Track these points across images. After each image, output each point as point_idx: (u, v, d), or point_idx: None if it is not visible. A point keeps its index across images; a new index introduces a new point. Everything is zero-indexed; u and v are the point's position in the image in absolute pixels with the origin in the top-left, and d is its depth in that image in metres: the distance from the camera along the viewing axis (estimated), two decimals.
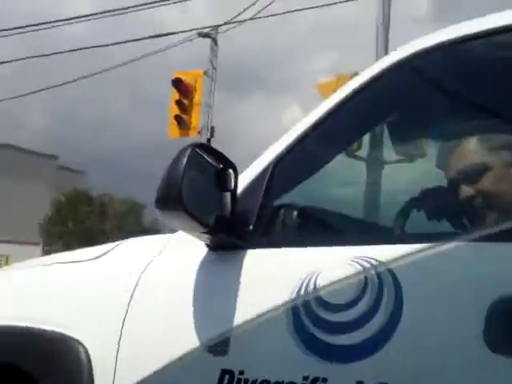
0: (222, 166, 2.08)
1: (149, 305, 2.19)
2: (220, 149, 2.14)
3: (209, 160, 2.06)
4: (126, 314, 2.18)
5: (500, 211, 2.10)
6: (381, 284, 1.80)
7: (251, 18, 15.09)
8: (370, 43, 10.76)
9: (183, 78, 14.39)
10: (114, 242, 2.53)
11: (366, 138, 2.86)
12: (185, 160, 1.98)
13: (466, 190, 2.20)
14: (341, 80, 9.24)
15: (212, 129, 16.59)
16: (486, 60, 2.13)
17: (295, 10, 14.94)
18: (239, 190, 2.10)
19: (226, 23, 16.17)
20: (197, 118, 14.73)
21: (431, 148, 3.02)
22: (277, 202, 2.20)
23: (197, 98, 14.56)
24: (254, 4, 14.49)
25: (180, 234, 2.22)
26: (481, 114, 2.28)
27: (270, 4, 14.20)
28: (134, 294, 2.20)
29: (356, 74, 2.37)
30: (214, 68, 17.03)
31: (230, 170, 2.08)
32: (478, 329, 1.64)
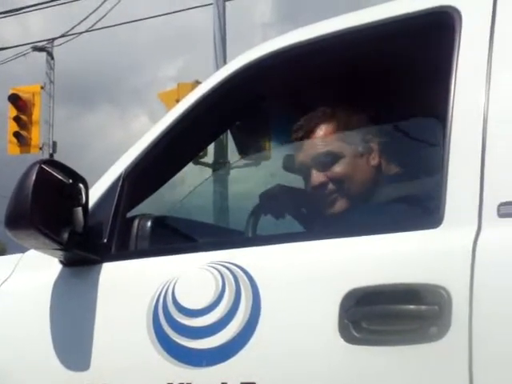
0: (71, 180, 2.06)
1: (4, 327, 2.13)
2: (67, 163, 2.11)
3: (58, 176, 2.03)
4: None
5: (350, 199, 2.19)
6: (238, 287, 1.83)
7: (86, 31, 14.88)
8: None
9: (20, 93, 13.98)
10: None
11: (212, 146, 2.91)
12: (33, 177, 1.95)
13: (317, 177, 2.24)
14: (182, 88, 9.28)
15: (54, 144, 16.22)
16: (316, 65, 2.23)
17: (138, 20, 14.85)
18: (91, 203, 2.08)
19: (61, 36, 15.85)
20: (37, 134, 14.33)
21: (276, 150, 3.11)
22: (130, 214, 2.20)
23: (35, 113, 14.18)
24: (88, 17, 14.29)
25: (32, 252, 2.17)
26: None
27: (103, 17, 14.04)
28: None
29: (197, 82, 2.42)
30: (52, 82, 16.67)
31: (81, 185, 2.06)
32: (333, 321, 1.70)
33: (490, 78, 1.73)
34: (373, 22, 1.98)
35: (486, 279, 1.59)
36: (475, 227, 1.64)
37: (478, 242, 1.62)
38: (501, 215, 1.62)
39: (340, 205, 2.21)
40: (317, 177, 2.24)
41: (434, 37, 1.92)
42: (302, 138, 2.31)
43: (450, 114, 1.75)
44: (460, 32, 1.80)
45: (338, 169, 2.22)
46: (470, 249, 1.61)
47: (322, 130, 2.29)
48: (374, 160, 2.24)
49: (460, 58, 1.78)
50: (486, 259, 1.60)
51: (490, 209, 1.63)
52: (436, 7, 1.88)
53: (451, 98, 1.76)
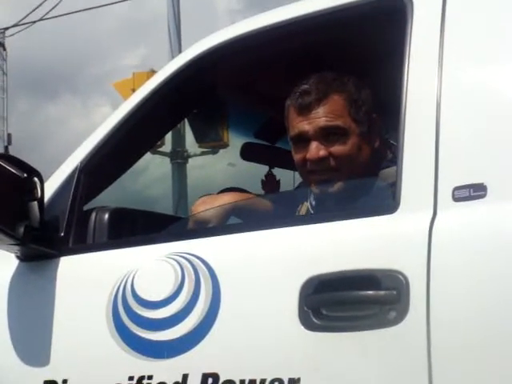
0: (26, 174, 2.03)
1: None
2: (24, 155, 2.09)
3: (11, 170, 2.01)
4: None
5: (343, 182, 2.06)
6: (197, 277, 1.83)
7: (40, 19, 14.65)
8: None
9: None
10: None
11: (169, 135, 2.88)
12: None
13: (317, 150, 2.05)
14: (138, 78, 9.21)
15: (9, 136, 16.00)
16: (269, 53, 2.23)
17: (99, 6, 14.63)
18: (46, 197, 2.06)
19: (13, 25, 15.59)
20: None
21: (233, 138, 3.11)
22: (87, 206, 2.19)
23: None
24: (40, 5, 14.06)
25: None
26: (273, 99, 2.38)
27: (57, 5, 13.82)
28: None
29: (153, 71, 2.40)
30: (5, 73, 16.42)
31: (35, 178, 2.04)
32: (293, 309, 1.71)
33: (441, 64, 1.74)
34: (323, 10, 1.98)
35: (442, 262, 1.61)
36: (431, 211, 1.66)
37: (434, 226, 1.63)
38: (456, 199, 1.64)
39: (330, 186, 2.07)
40: (317, 149, 2.05)
41: (386, 23, 1.92)
42: (308, 105, 2.07)
43: (403, 101, 1.76)
44: (412, 18, 1.81)
45: (343, 147, 2.05)
46: (426, 233, 1.63)
47: (332, 100, 2.07)
48: (375, 144, 2.10)
49: (412, 44, 1.79)
50: (442, 243, 1.62)
51: (445, 193, 1.65)
52: None
53: (404, 84, 1.77)
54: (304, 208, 2.18)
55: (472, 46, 1.75)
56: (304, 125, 2.08)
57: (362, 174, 2.06)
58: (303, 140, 2.09)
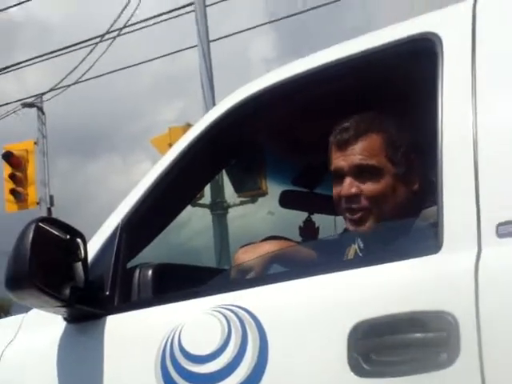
0: (68, 236, 2.06)
1: None
2: (65, 216, 2.12)
3: (55, 232, 2.03)
4: None
5: (374, 222, 2.05)
6: (244, 329, 1.82)
7: (76, 82, 14.97)
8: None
9: (13, 150, 14.02)
10: None
11: (208, 187, 2.90)
12: (30, 236, 1.95)
13: (350, 187, 2.06)
14: (174, 132, 9.32)
15: (51, 198, 16.22)
16: (307, 99, 2.23)
17: (132, 65, 14.93)
18: (90, 257, 2.08)
19: (50, 90, 15.93)
20: (33, 190, 14.35)
21: (271, 187, 3.11)
22: (130, 264, 2.20)
23: (30, 169, 14.20)
24: (75, 68, 14.38)
25: (35, 311, 2.16)
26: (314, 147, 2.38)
27: (90, 68, 14.14)
28: None
29: (189, 125, 2.42)
30: (44, 137, 16.71)
31: (78, 239, 2.06)
32: (342, 356, 1.69)
33: (475, 101, 1.74)
34: (356, 54, 2.00)
35: (490, 301, 1.58)
36: (475, 250, 1.63)
37: (480, 264, 1.61)
38: (500, 235, 1.62)
39: (361, 224, 2.07)
40: (350, 186, 2.07)
41: (417, 62, 1.93)
42: (346, 141, 2.09)
43: (439, 140, 1.75)
44: (442, 56, 1.81)
45: (375, 186, 2.06)
46: (472, 272, 1.61)
47: (369, 139, 2.08)
48: (414, 186, 2.08)
49: (444, 82, 1.79)
50: (488, 281, 1.59)
51: (489, 230, 1.63)
52: (418, 34, 1.90)
53: (439, 124, 1.77)
54: (352, 251, 2.16)
55: (505, 79, 1.74)
56: (340, 161, 2.10)
57: (399, 215, 2.04)
58: (340, 176, 2.10)
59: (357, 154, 2.07)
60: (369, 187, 2.06)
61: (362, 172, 2.07)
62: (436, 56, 1.82)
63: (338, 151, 2.11)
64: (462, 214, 1.68)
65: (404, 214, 2.04)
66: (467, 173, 1.69)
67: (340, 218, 3.05)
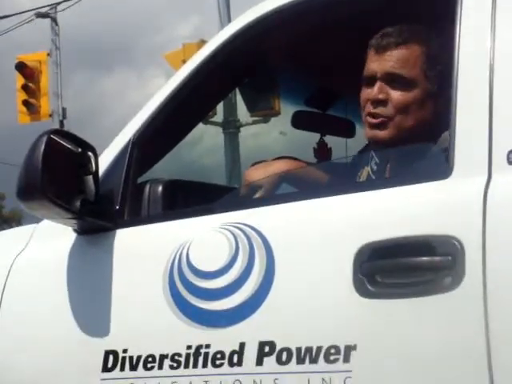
0: (80, 149, 2.06)
1: (22, 297, 2.16)
2: (78, 129, 2.12)
3: (67, 145, 2.04)
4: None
5: (393, 133, 2.03)
6: (251, 246, 1.84)
7: None
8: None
9: (27, 61, 13.93)
10: None
11: (221, 104, 2.88)
12: (42, 148, 1.95)
13: (379, 91, 2.03)
14: (188, 49, 9.22)
15: (64, 110, 16.21)
16: (322, 20, 2.20)
17: None
18: (101, 171, 2.09)
19: (64, 0, 15.72)
20: (46, 102, 14.31)
21: (284, 106, 3.09)
22: (141, 179, 2.21)
23: (43, 80, 14.14)
24: None
25: (46, 222, 2.19)
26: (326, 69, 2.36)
27: None
28: (5, 288, 2.16)
29: (203, 41, 2.40)
30: (58, 48, 16.59)
31: (90, 153, 2.07)
32: (347, 277, 1.71)
33: (495, 26, 1.71)
34: None
35: (498, 227, 1.59)
36: (485, 176, 1.63)
37: (489, 190, 1.61)
38: (510, 162, 1.61)
39: (380, 129, 2.03)
40: (379, 91, 2.04)
41: None
42: (384, 47, 2.05)
43: (455, 64, 1.73)
44: None
45: (404, 96, 2.02)
46: (481, 197, 1.61)
47: (409, 48, 2.04)
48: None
49: (464, 6, 1.76)
50: (497, 207, 1.60)
51: (500, 156, 1.63)
52: None
53: (456, 47, 1.74)
54: (365, 172, 2.16)
55: None
56: (375, 65, 2.07)
57: (419, 132, 2.02)
58: (371, 80, 2.07)
59: (392, 61, 2.04)
60: (397, 96, 2.03)
61: (393, 80, 2.04)
62: None
63: (375, 55, 2.07)
64: (473, 139, 1.67)
65: (424, 132, 2.01)
66: (482, 98, 1.67)
67: (351, 141, 3.05)
